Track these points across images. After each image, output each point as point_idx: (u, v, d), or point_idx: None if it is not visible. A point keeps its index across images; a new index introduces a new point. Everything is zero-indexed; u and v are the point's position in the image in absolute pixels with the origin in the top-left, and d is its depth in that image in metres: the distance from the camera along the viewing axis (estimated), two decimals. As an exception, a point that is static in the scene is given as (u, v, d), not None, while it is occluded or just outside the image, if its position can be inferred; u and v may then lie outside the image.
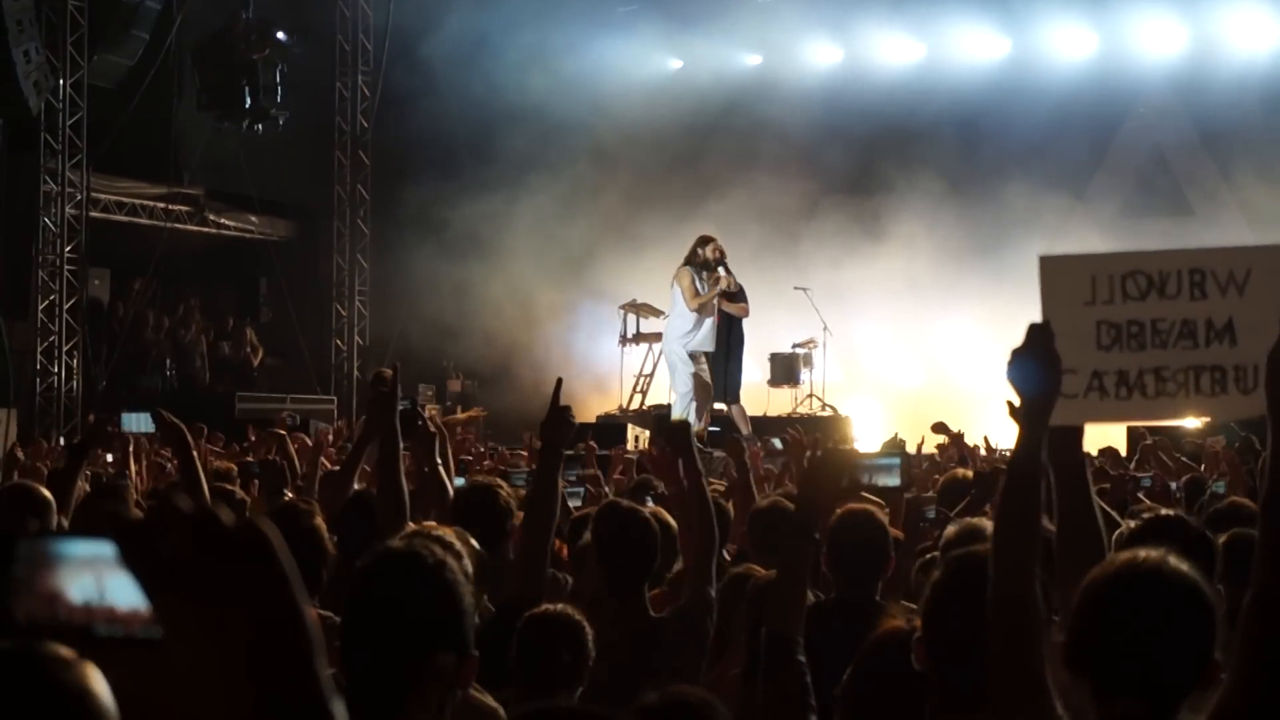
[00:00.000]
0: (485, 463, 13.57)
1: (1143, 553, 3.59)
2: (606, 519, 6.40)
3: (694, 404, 20.36)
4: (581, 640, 5.40)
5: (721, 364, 20.57)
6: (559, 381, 6.51)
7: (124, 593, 1.87)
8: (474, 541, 5.86)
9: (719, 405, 20.85)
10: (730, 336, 20.69)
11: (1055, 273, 4.44)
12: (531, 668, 5.28)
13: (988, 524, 6.57)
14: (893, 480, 6.37)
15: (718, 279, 20.24)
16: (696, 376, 20.41)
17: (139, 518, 1.80)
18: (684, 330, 20.40)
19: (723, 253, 20.54)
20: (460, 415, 22.20)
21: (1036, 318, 4.13)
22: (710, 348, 20.50)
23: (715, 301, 20.41)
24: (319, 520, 6.38)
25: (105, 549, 1.87)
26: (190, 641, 1.76)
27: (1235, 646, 3.54)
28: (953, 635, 4.05)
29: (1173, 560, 3.58)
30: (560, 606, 5.56)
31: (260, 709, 1.76)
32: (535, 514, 6.32)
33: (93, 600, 1.90)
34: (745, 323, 21.11)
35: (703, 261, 20.31)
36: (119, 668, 1.91)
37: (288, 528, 5.87)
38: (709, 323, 20.44)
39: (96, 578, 1.91)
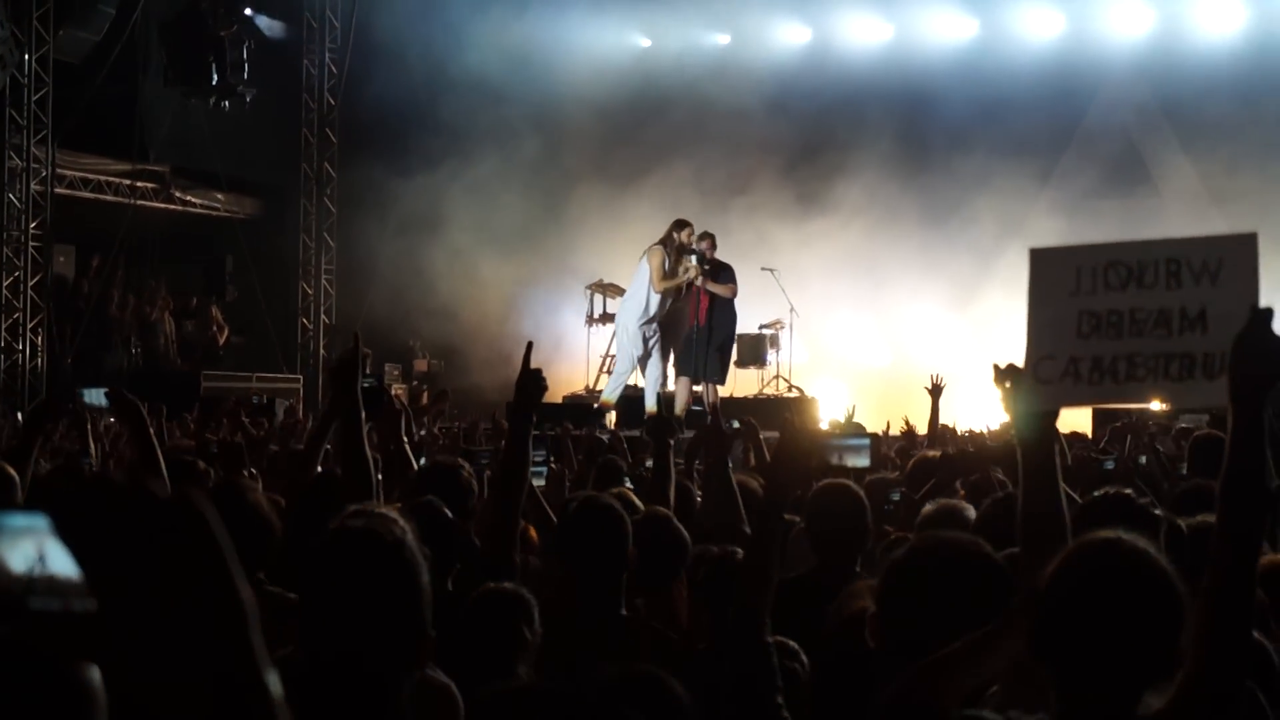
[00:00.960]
0: (441, 441, 13.56)
1: (1110, 536, 3.58)
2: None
3: (647, 382, 20.42)
4: (531, 618, 5.34)
5: (703, 344, 20.52)
6: (529, 345, 6.40)
7: (62, 562, 1.85)
8: (448, 513, 5.85)
9: (697, 387, 20.83)
10: (713, 317, 20.62)
11: (1043, 264, 4.53)
12: (483, 645, 5.22)
13: (966, 507, 6.58)
14: (862, 461, 6.38)
15: (686, 268, 20.19)
16: (644, 357, 20.42)
17: (74, 492, 1.79)
18: (640, 309, 20.36)
19: (710, 242, 20.56)
20: (425, 403, 22.19)
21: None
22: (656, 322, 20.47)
23: (684, 289, 20.35)
24: (259, 496, 6.32)
25: (41, 522, 1.86)
26: (125, 614, 1.74)
27: (1194, 632, 3.52)
28: (906, 616, 4.05)
29: (1140, 544, 3.57)
30: (509, 585, 5.49)
31: (195, 680, 1.74)
32: (506, 480, 6.25)
33: (33, 569, 1.88)
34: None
35: (677, 245, 20.28)
36: (61, 643, 1.88)
37: (228, 504, 5.86)
38: (666, 305, 20.42)
39: (35, 547, 1.89)
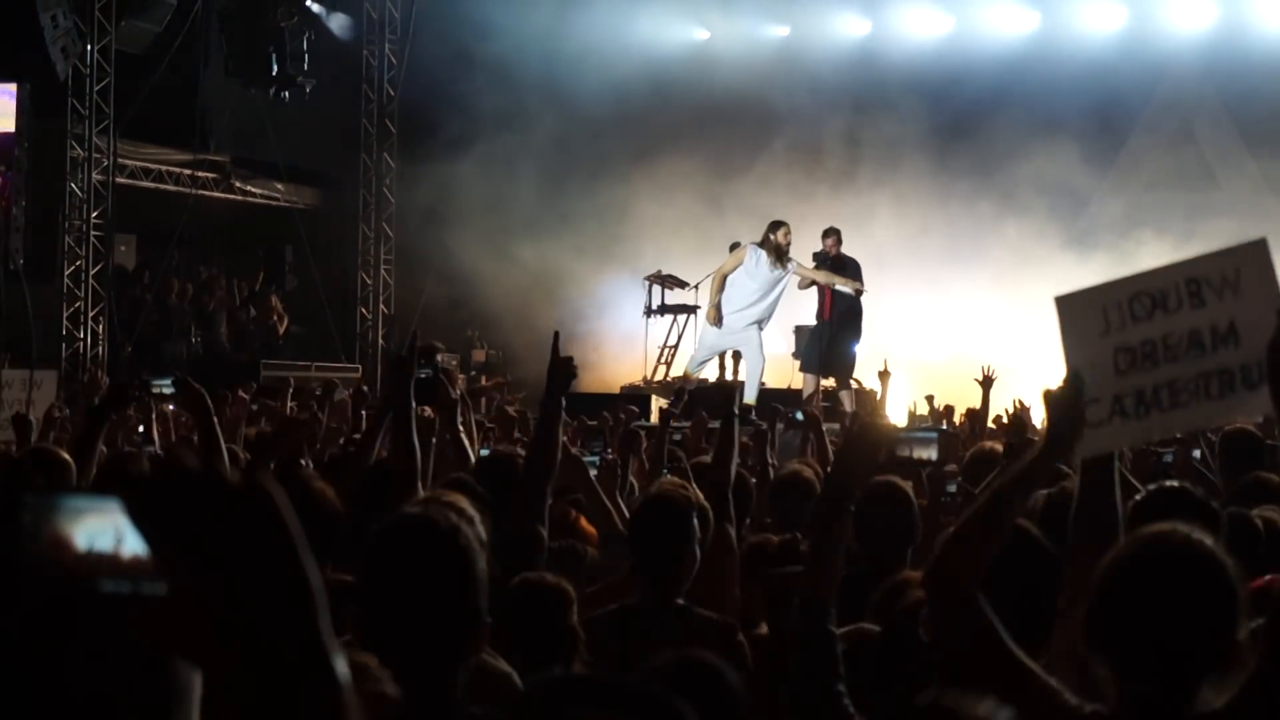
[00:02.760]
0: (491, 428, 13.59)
1: (1167, 529, 3.58)
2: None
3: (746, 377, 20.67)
4: (568, 611, 5.35)
5: (824, 340, 20.67)
6: (556, 334, 6.78)
7: (129, 541, 1.88)
8: (479, 488, 5.88)
9: (827, 381, 21.00)
10: (835, 314, 20.76)
11: (1070, 310, 4.57)
12: (525, 637, 5.23)
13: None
14: (930, 453, 6.38)
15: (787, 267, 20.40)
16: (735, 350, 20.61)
17: (144, 474, 1.82)
18: (732, 300, 20.60)
19: (834, 239, 20.84)
20: (485, 383, 22.28)
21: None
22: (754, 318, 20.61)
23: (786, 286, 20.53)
24: (320, 483, 6.38)
25: (111, 504, 1.88)
26: (193, 599, 1.76)
27: (1263, 634, 3.52)
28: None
29: (1197, 537, 3.56)
30: (547, 575, 5.50)
31: (263, 666, 1.76)
32: (533, 462, 6.45)
33: (98, 546, 1.91)
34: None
35: (774, 245, 20.40)
36: (127, 625, 1.91)
37: (291, 490, 5.90)
38: (765, 301, 20.54)
39: (102, 526, 1.91)
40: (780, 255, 20.34)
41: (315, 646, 1.77)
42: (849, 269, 20.63)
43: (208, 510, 1.76)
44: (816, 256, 20.69)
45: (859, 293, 20.78)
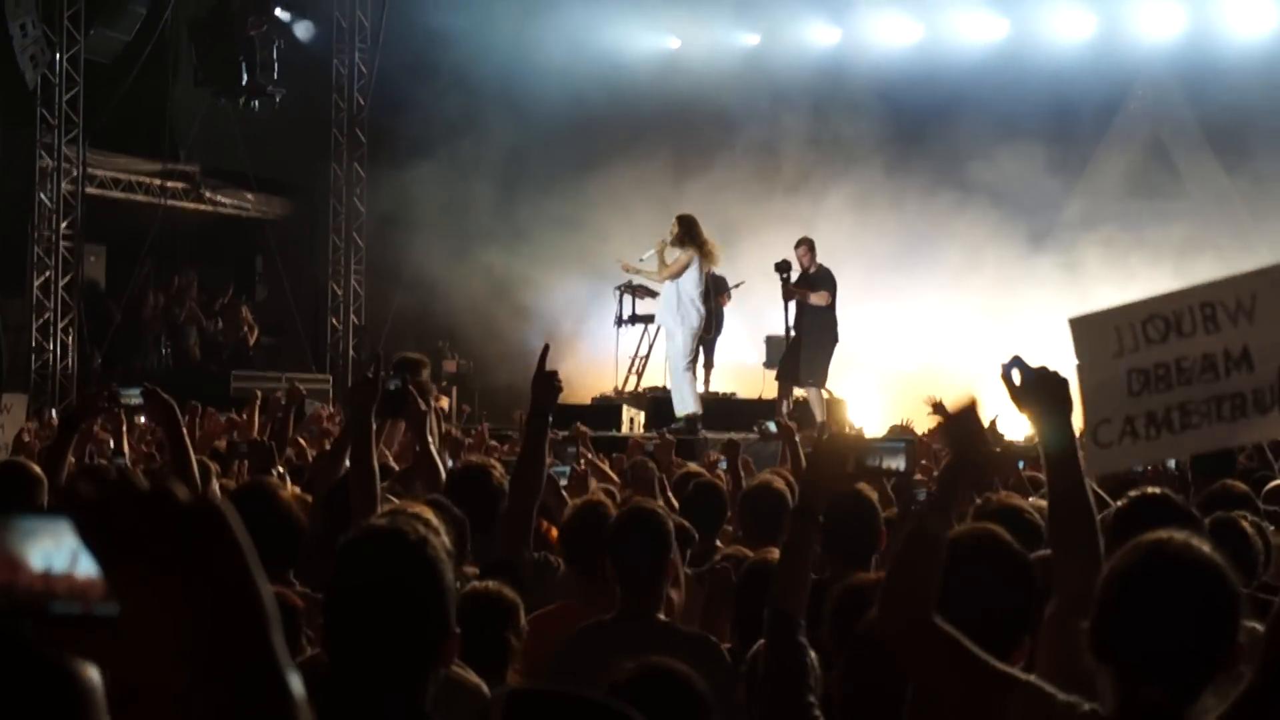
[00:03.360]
0: (467, 440, 13.60)
1: (1165, 536, 3.59)
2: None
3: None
4: (517, 621, 5.35)
5: (796, 349, 20.51)
6: (545, 347, 6.67)
7: (82, 562, 1.87)
8: (455, 510, 5.86)
9: (801, 391, 20.84)
10: (803, 323, 20.55)
11: (1084, 331, 4.59)
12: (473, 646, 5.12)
13: (1020, 502, 6.58)
14: (899, 463, 6.36)
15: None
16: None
17: (92, 493, 1.80)
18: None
19: (805, 248, 20.54)
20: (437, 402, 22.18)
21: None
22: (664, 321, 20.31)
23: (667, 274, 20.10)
24: (287, 496, 6.39)
25: (63, 524, 1.87)
26: (145, 617, 1.75)
27: (1263, 645, 3.53)
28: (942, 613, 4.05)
29: (1195, 543, 3.58)
30: (495, 585, 5.46)
31: (216, 683, 1.76)
32: (520, 478, 6.43)
33: (52, 568, 1.90)
34: (741, 306, 21.06)
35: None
36: (80, 645, 1.90)
37: (256, 504, 5.91)
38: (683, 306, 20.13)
39: (56, 547, 1.90)
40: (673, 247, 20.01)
41: (269, 663, 1.77)
42: (821, 281, 20.53)
43: (157, 528, 1.76)
44: (779, 266, 20.55)
45: (826, 302, 20.60)
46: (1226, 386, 4.36)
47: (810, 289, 20.38)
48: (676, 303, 19.71)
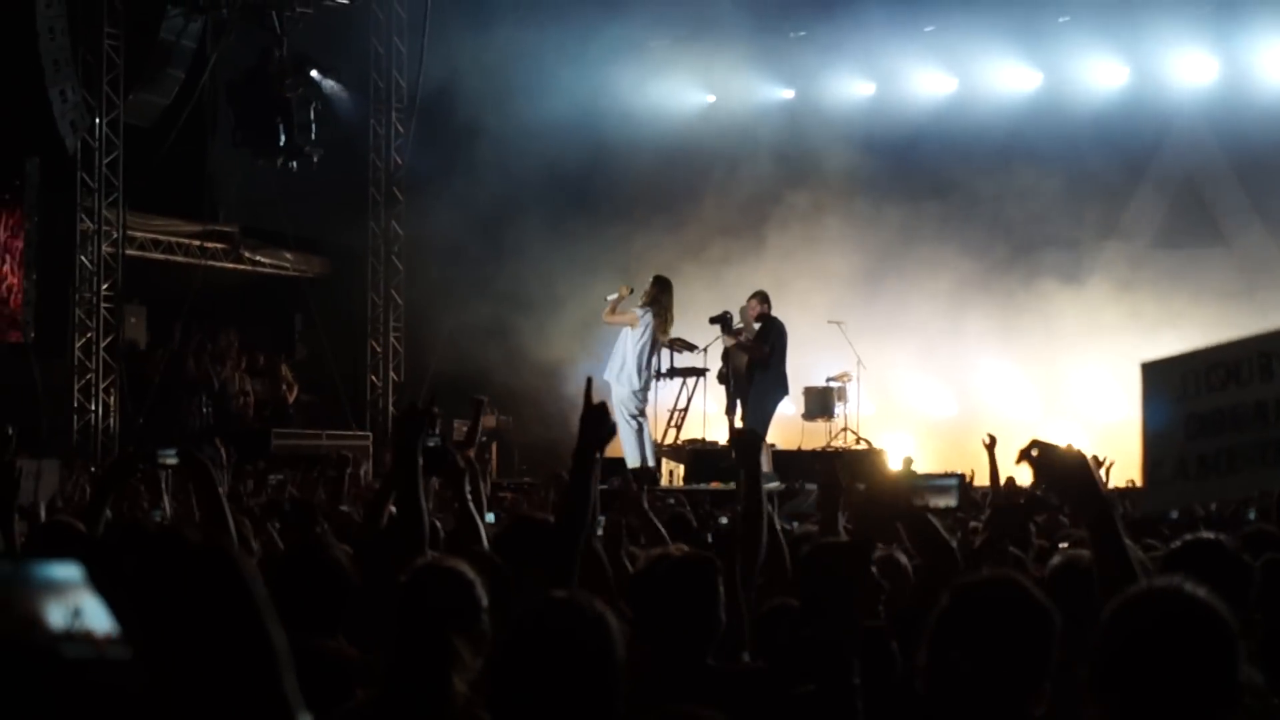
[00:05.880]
0: (507, 495, 13.56)
1: (1160, 581, 3.63)
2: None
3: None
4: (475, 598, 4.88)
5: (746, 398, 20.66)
6: (589, 380, 6.32)
7: (96, 611, 1.88)
8: (497, 561, 5.84)
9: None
10: (752, 374, 20.74)
11: (1153, 375, 4.70)
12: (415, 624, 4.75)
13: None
14: (950, 501, 6.31)
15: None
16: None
17: (103, 538, 1.85)
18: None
19: (755, 300, 20.71)
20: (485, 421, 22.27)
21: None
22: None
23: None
24: (338, 553, 6.35)
25: (74, 571, 1.89)
26: (158, 662, 1.78)
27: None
28: (954, 666, 4.06)
29: (1188, 587, 3.60)
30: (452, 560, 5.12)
31: None
32: (565, 523, 5.97)
33: (70, 625, 1.91)
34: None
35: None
36: (93, 690, 1.91)
37: (311, 561, 5.90)
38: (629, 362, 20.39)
39: (71, 602, 1.91)
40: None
41: (279, 707, 1.79)
42: (766, 334, 20.65)
43: (168, 572, 1.79)
44: (715, 320, 20.72)
45: (756, 356, 20.68)
46: (1273, 432, 4.41)
47: (761, 340, 20.55)
48: (621, 363, 20.19)
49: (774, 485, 8.52)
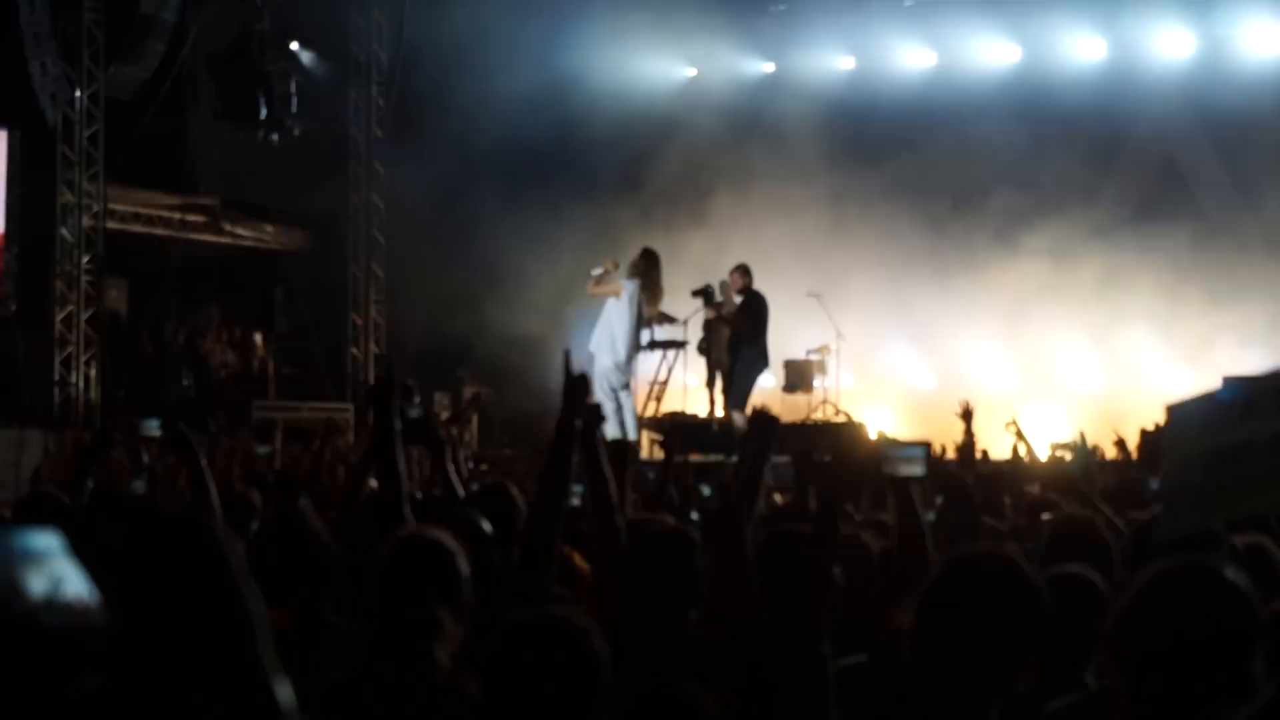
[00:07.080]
0: (484, 466, 13.59)
1: (1196, 558, 3.67)
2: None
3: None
4: (457, 569, 4.84)
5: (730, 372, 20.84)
6: (566, 353, 6.33)
7: (74, 580, 1.91)
8: (485, 525, 5.88)
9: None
10: (733, 347, 20.91)
11: (1180, 415, 4.79)
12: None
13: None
14: (917, 470, 6.31)
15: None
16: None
17: (81, 508, 1.89)
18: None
19: (737, 274, 20.88)
20: (466, 401, 22.37)
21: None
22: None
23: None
24: (318, 523, 6.38)
25: (54, 540, 1.92)
26: (135, 628, 1.81)
27: None
28: (944, 635, 4.13)
29: (1215, 566, 3.66)
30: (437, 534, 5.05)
31: (204, 690, 1.82)
32: (543, 501, 5.94)
33: (49, 593, 1.93)
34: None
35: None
36: (73, 657, 1.94)
37: (292, 533, 5.95)
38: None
39: (52, 570, 1.94)
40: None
41: (256, 673, 1.83)
42: (747, 307, 20.78)
43: (146, 542, 1.83)
44: (698, 293, 20.85)
45: (734, 327, 20.89)
46: None
47: (741, 314, 20.69)
48: (609, 335, 20.15)
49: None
